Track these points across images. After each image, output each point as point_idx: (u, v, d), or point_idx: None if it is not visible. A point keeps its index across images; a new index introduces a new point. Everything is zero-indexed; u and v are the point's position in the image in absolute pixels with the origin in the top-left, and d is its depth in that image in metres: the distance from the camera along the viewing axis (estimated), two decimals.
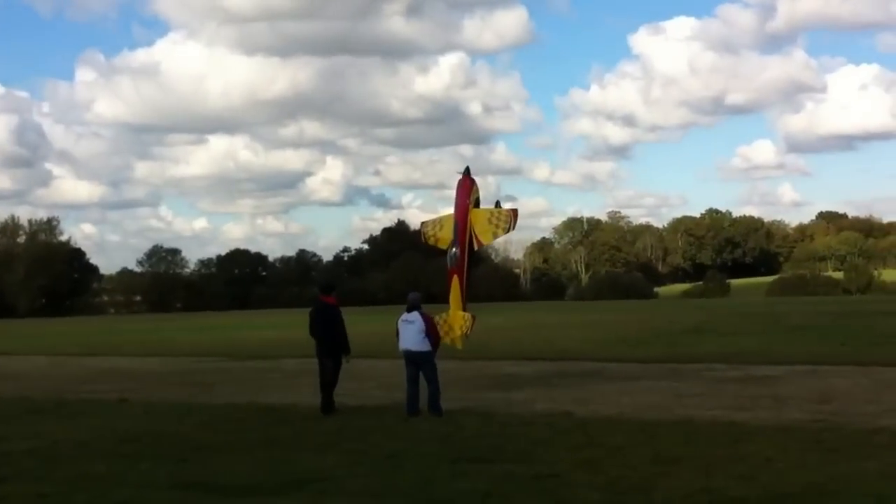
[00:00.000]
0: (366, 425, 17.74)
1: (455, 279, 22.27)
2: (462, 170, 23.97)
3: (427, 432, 16.66)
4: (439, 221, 24.35)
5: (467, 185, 23.39)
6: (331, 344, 19.80)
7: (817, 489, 11.29)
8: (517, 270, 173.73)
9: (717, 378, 24.16)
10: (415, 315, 19.02)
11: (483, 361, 29.83)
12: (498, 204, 24.27)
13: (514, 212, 23.17)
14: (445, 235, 23.27)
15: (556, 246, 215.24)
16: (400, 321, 19.28)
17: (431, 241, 24.18)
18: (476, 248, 23.05)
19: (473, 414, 18.66)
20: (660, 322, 54.69)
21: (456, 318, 22.00)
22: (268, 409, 20.44)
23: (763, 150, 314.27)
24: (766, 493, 11.16)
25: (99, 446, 16.32)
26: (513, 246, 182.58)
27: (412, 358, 19.00)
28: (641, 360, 30.05)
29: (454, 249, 22.38)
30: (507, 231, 23.10)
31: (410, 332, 18.97)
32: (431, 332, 19.02)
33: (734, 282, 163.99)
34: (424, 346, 18.92)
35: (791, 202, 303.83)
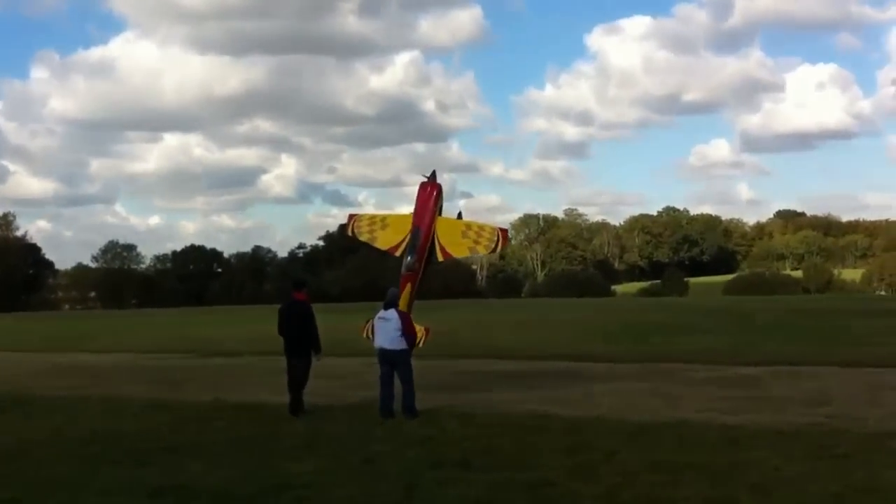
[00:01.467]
0: (339, 427, 16.79)
1: (408, 287, 20.49)
2: (428, 174, 22.09)
3: (405, 435, 15.74)
4: (381, 220, 22.50)
5: (433, 191, 21.56)
6: (302, 342, 18.74)
7: (837, 501, 10.46)
8: (474, 267, 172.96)
9: (696, 379, 23.33)
10: (391, 312, 18.04)
11: (451, 360, 28.87)
12: (460, 215, 22.23)
13: (504, 232, 21.19)
14: (388, 237, 21.53)
15: (513, 243, 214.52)
16: (376, 318, 18.33)
17: (364, 238, 22.21)
18: (441, 259, 21.29)
19: (451, 415, 17.73)
20: (624, 320, 53.80)
21: None
22: (235, 408, 19.52)
23: (719, 149, 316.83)
24: None
25: (64, 447, 15.43)
26: None
27: (387, 357, 18.01)
28: (614, 360, 29.22)
29: (409, 257, 20.52)
30: (492, 251, 21.49)
31: (386, 330, 18.00)
32: (408, 330, 18.03)
33: (692, 280, 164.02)
34: (400, 345, 17.95)
35: (748, 201, 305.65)
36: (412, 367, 18.20)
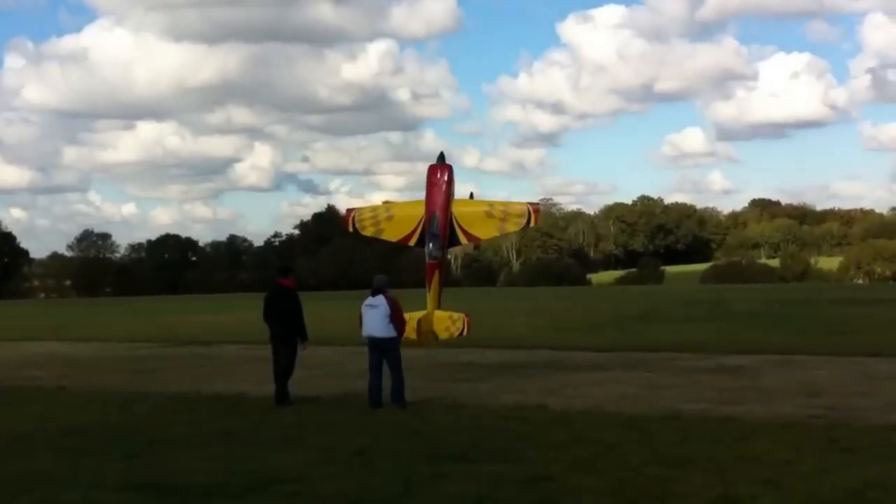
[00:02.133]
0: (327, 418, 16.29)
1: (435, 275, 19.98)
2: (437, 156, 21.16)
3: (395, 426, 15.23)
4: (385, 210, 21.56)
5: (445, 173, 20.58)
6: (287, 330, 18.24)
7: (857, 497, 10.01)
8: (448, 256, 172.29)
9: (687, 368, 22.93)
10: (380, 299, 17.47)
11: (432, 350, 28.26)
12: (472, 196, 21.35)
13: (535, 206, 20.10)
14: (397, 227, 20.64)
15: None
16: (364, 305, 17.74)
17: (370, 232, 21.27)
18: (464, 243, 20.82)
19: (440, 406, 17.28)
20: (603, 309, 53.53)
21: (440, 320, 20.03)
22: (216, 398, 19.03)
23: (693, 138, 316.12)
24: (800, 501, 9.90)
25: (42, 439, 14.93)
26: None
27: (376, 345, 17.48)
28: (600, 349, 28.84)
29: (430, 245, 19.95)
30: (524, 228, 20.61)
31: (374, 316, 17.45)
32: (397, 317, 17.47)
33: (668, 268, 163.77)
34: (389, 332, 17.40)
35: (721, 190, 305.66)
36: (401, 355, 17.66)
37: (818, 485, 10.50)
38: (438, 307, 20.30)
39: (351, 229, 21.57)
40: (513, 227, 20.60)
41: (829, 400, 17.13)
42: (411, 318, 19.57)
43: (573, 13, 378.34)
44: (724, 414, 15.55)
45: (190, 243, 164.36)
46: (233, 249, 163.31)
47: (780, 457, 11.98)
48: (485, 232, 20.87)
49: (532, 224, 20.32)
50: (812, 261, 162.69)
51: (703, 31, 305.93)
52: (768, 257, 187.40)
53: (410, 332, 19.39)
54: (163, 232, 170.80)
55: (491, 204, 20.85)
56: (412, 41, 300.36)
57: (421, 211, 20.32)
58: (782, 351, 26.48)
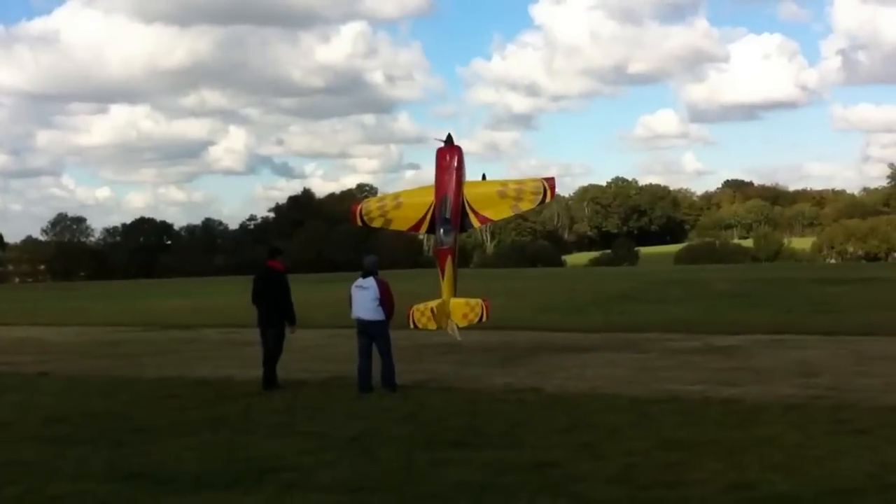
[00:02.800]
0: (317, 403, 15.86)
1: (448, 260, 19.22)
2: (444, 138, 20.33)
3: (388, 411, 14.83)
4: (393, 199, 20.88)
5: (454, 155, 19.83)
6: (275, 312, 17.81)
7: (876, 481, 9.67)
8: (421, 237, 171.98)
9: (677, 349, 22.65)
10: (369, 281, 17.01)
11: (414, 331, 27.84)
12: (483, 177, 20.64)
13: (551, 182, 19.46)
14: (406, 215, 19.98)
15: None
16: (353, 287, 17.23)
17: (378, 223, 20.67)
18: (477, 225, 20.08)
19: (431, 389, 16.92)
20: (583, 290, 53.22)
21: (458, 307, 19.16)
22: (202, 383, 18.53)
23: (666, 120, 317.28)
24: (819, 486, 9.49)
25: (24, 427, 14.41)
26: None
27: (365, 328, 17.03)
28: (585, 329, 28.59)
29: (442, 230, 19.21)
30: (540, 204, 20.17)
31: (364, 298, 16.99)
32: (386, 299, 16.99)
33: (642, 249, 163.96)
34: (378, 315, 16.95)
35: (695, 171, 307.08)
36: (391, 338, 17.26)
37: (834, 469, 10.14)
38: (455, 294, 19.43)
39: (359, 222, 20.81)
40: (528, 204, 19.85)
41: (828, 380, 16.86)
42: (426, 307, 19.09)
43: None
44: (724, 395, 15.22)
45: (165, 227, 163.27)
46: (208, 233, 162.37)
47: (791, 440, 11.63)
48: (497, 213, 20.16)
49: (548, 200, 19.72)
50: (785, 241, 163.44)
51: (675, 13, 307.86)
52: (741, 238, 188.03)
53: (428, 322, 18.93)
54: (137, 216, 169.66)
55: (504, 183, 20.17)
56: (385, 23, 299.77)
57: (430, 197, 19.61)
58: (770, 331, 26.26)
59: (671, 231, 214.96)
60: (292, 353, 21.96)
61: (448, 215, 19.25)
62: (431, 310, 19.08)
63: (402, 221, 20.24)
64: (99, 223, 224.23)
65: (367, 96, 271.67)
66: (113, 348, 26.97)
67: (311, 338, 26.89)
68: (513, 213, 21.05)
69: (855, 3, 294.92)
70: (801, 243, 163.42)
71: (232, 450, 12.13)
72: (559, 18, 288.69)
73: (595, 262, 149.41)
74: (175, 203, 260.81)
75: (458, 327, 19.18)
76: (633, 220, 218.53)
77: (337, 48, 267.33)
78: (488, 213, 19.77)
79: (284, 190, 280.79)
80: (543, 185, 19.40)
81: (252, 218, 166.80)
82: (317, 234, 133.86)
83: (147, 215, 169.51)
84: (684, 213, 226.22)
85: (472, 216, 19.50)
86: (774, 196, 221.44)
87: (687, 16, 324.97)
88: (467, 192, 19.62)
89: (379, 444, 12.23)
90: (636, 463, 10.74)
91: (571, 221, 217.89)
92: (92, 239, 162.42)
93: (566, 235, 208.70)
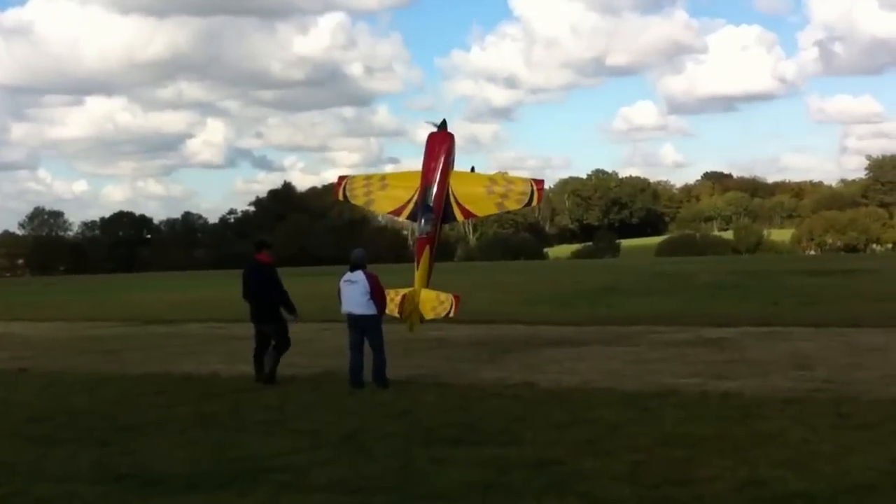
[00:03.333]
0: (307, 399, 15.47)
1: (426, 251, 18.89)
2: (438, 122, 20.16)
3: (381, 407, 14.48)
4: (380, 179, 20.49)
5: (445, 142, 19.65)
6: (268, 307, 17.48)
7: (890, 478, 9.42)
8: (405, 232, 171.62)
9: (669, 341, 22.42)
10: (358, 274, 16.67)
11: (401, 325, 27.57)
12: (472, 170, 20.51)
13: (539, 183, 19.25)
14: (389, 198, 19.69)
15: None
16: (342, 281, 16.89)
17: (360, 202, 20.29)
18: (461, 220, 19.80)
19: (424, 385, 16.55)
20: (566, 282, 53.13)
21: (427, 300, 18.86)
22: (188, 379, 18.09)
23: (645, 112, 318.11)
24: (832, 484, 9.24)
25: (5, 427, 13.96)
26: None
27: (356, 322, 16.70)
28: (573, 322, 28.38)
29: (423, 220, 18.93)
30: (526, 206, 19.64)
31: (353, 293, 16.64)
32: (376, 293, 16.67)
33: (624, 242, 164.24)
34: (369, 310, 16.61)
35: (674, 163, 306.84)
36: (383, 332, 16.92)
37: (845, 465, 9.88)
38: (426, 286, 19.22)
39: (341, 197, 20.48)
40: (514, 204, 19.65)
41: (823, 373, 16.64)
42: (396, 293, 18.80)
43: None
44: (722, 389, 14.96)
45: (144, 221, 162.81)
46: (188, 227, 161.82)
47: (796, 435, 11.36)
48: (483, 209, 19.98)
49: (534, 203, 19.48)
50: (765, 233, 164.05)
51: (654, 4, 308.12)
52: (721, 230, 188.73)
53: (394, 308, 18.60)
54: (115, 209, 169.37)
55: (492, 179, 20.00)
56: (364, 14, 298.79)
57: (417, 182, 19.35)
58: (759, 322, 26.06)
59: (651, 223, 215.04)
60: None
61: (431, 203, 18.94)
62: (404, 297, 18.73)
63: (384, 203, 19.94)
64: (77, 217, 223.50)
65: (347, 88, 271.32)
66: (94, 344, 26.46)
67: (298, 331, 26.46)
68: (498, 212, 20.80)
69: None
70: (781, 235, 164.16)
71: (222, 449, 11.77)
72: (538, 10, 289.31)
73: (577, 255, 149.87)
74: (154, 197, 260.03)
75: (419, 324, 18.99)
76: (614, 212, 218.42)
77: (315, 40, 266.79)
78: (473, 209, 19.53)
79: (264, 183, 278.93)
80: (532, 186, 19.22)
81: (232, 212, 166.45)
82: (299, 227, 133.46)
83: (126, 209, 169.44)
84: (664, 205, 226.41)
85: (456, 210, 19.24)
86: (753, 188, 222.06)
87: (665, 7, 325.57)
88: (454, 185, 19.34)
89: (375, 442, 11.93)
90: (642, 460, 10.46)
91: (553, 214, 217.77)
92: (70, 233, 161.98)
93: (547, 228, 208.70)
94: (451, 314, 18.76)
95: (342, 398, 15.47)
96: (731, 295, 39.14)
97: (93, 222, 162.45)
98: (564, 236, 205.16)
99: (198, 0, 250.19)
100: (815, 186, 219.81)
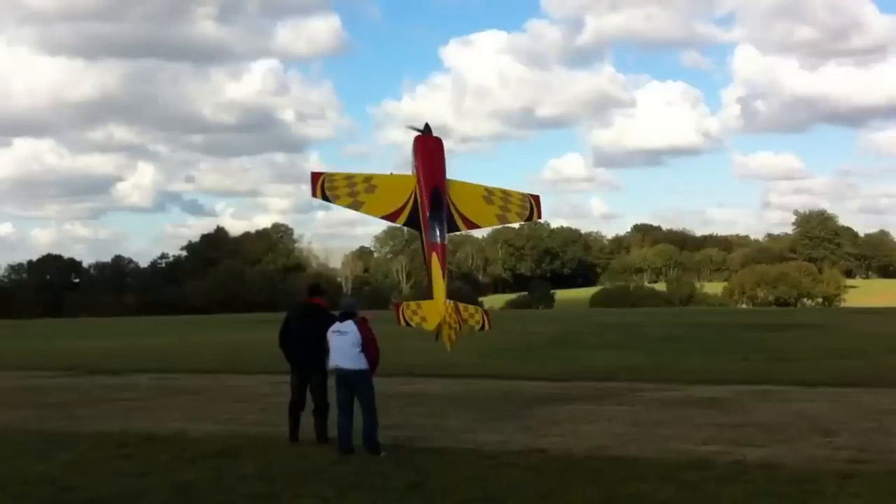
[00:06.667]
0: (297, 468, 13.63)
1: (435, 258, 16.99)
2: (421, 127, 18.58)
3: (383, 478, 12.78)
4: (365, 180, 17.98)
5: (441, 147, 18.18)
6: (317, 355, 15.55)
7: None
8: (339, 279, 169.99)
9: (660, 400, 21.07)
10: (349, 325, 15.01)
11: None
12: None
13: (536, 199, 18.37)
14: (381, 201, 17.63)
15: (377, 255, 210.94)
16: (330, 332, 15.16)
17: (345, 203, 17.68)
18: (462, 230, 18.07)
19: (419, 451, 14.88)
20: (517, 332, 51.56)
21: (463, 308, 17.06)
22: (150, 440, 16.06)
23: (573, 163, 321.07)
24: None
25: None
26: (332, 254, 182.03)
27: (344, 378, 14.99)
28: (545, 377, 26.96)
29: (437, 224, 17.07)
30: (527, 219, 18.44)
31: (343, 344, 14.93)
32: (368, 346, 15.02)
33: (558, 292, 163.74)
34: (360, 364, 14.93)
35: (601, 215, 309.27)
36: (374, 390, 15.22)
37: None
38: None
39: (319, 196, 17.67)
40: (515, 217, 18.57)
41: (852, 439, 15.37)
42: (418, 305, 17.17)
43: (455, 37, 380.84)
44: (756, 459, 13.52)
45: (73, 264, 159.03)
46: (118, 271, 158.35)
47: None
48: (485, 220, 18.54)
49: (535, 218, 18.51)
50: (697, 285, 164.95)
51: (582, 59, 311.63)
52: (651, 281, 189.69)
53: (420, 322, 16.83)
54: (42, 252, 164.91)
55: (489, 190, 18.48)
56: (297, 61, 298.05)
57: (411, 186, 17.55)
58: (743, 380, 24.82)
59: (583, 274, 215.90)
60: (241, 404, 20.17)
61: (441, 208, 17.30)
62: (455, 306, 16.90)
63: (376, 206, 17.76)
64: (2, 260, 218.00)
65: (278, 134, 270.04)
66: (38, 396, 24.15)
67: (255, 385, 25.15)
68: (499, 224, 19.74)
69: (754, 52, 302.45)
70: (713, 287, 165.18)
71: None
72: (468, 61, 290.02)
73: (512, 305, 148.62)
74: (81, 240, 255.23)
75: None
76: (546, 262, 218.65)
77: (248, 85, 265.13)
78: (476, 220, 18.06)
79: (194, 228, 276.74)
80: (529, 202, 18.33)
81: (164, 256, 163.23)
82: (231, 272, 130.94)
83: (53, 251, 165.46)
84: (595, 256, 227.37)
85: (458, 219, 17.63)
86: (682, 240, 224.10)
87: (593, 62, 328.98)
88: (452, 191, 17.80)
89: None
90: None
91: (486, 263, 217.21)
92: None
93: (481, 277, 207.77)
94: (487, 327, 17.14)
95: (335, 467, 13.74)
96: (690, 349, 38.21)
97: (20, 265, 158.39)
98: (498, 286, 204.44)
99: (128, 43, 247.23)
100: (742, 240, 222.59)
